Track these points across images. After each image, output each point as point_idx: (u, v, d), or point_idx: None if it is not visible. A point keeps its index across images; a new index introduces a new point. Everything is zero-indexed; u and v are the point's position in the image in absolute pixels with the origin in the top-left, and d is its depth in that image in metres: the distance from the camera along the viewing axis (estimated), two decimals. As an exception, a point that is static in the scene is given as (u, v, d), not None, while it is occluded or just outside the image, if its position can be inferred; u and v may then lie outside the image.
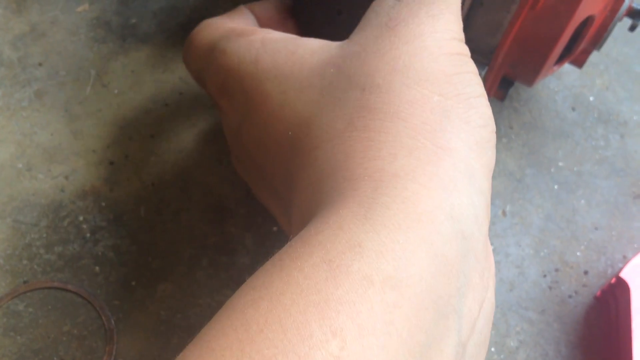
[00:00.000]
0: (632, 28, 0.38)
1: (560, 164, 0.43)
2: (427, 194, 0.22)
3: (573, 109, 0.45)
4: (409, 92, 0.24)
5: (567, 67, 0.45)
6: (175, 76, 0.43)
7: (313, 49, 0.27)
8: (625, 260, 0.40)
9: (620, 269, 0.36)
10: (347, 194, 0.22)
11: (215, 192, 0.39)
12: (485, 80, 0.37)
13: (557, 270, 0.39)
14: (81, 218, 0.38)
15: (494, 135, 0.25)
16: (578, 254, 0.40)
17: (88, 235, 0.38)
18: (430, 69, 0.24)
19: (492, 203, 0.41)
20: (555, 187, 0.42)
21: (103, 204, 0.39)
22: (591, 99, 0.45)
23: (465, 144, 0.23)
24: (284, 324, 0.18)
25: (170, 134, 0.41)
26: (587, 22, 0.35)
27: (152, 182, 0.40)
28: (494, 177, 0.41)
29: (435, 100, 0.24)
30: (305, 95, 0.26)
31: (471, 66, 0.25)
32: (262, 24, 0.34)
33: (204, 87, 0.32)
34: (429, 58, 0.24)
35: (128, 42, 0.44)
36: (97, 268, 0.37)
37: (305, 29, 0.35)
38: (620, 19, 0.36)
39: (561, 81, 0.46)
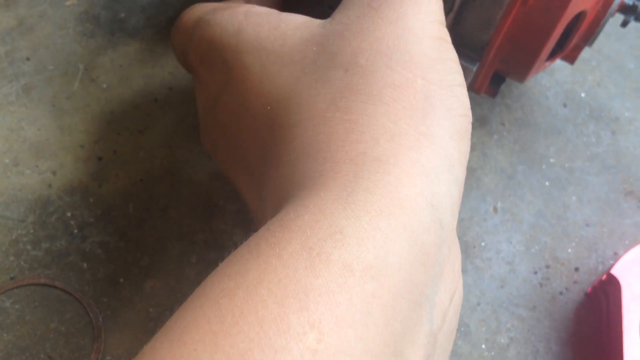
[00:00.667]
0: (624, 24, 0.38)
1: (552, 160, 0.42)
2: (409, 180, 0.21)
3: (564, 106, 0.45)
4: (393, 75, 0.23)
5: (558, 63, 0.45)
6: (164, 71, 0.43)
7: (296, 25, 0.27)
8: (616, 256, 0.40)
9: (611, 266, 0.36)
10: (328, 176, 0.21)
11: (204, 189, 0.39)
12: (476, 76, 0.37)
13: (548, 266, 0.39)
14: (69, 214, 0.38)
15: (471, 126, 0.25)
16: (569, 250, 0.40)
17: (76, 231, 0.37)
18: (414, 51, 0.24)
19: (483, 200, 0.40)
20: (547, 183, 0.42)
21: (91, 199, 0.38)
22: (583, 95, 0.45)
23: (446, 132, 0.23)
24: (260, 315, 0.17)
25: (159, 129, 0.41)
26: (579, 17, 0.34)
27: (141, 178, 0.39)
28: (485, 174, 0.41)
29: (419, 84, 0.23)
30: (286, 70, 0.25)
31: (452, 53, 0.25)
32: None
33: (186, 63, 0.32)
34: (413, 40, 0.24)
35: (117, 37, 0.44)
36: (84, 265, 0.36)
37: None
38: (612, 15, 0.36)
39: (553, 77, 0.46)
